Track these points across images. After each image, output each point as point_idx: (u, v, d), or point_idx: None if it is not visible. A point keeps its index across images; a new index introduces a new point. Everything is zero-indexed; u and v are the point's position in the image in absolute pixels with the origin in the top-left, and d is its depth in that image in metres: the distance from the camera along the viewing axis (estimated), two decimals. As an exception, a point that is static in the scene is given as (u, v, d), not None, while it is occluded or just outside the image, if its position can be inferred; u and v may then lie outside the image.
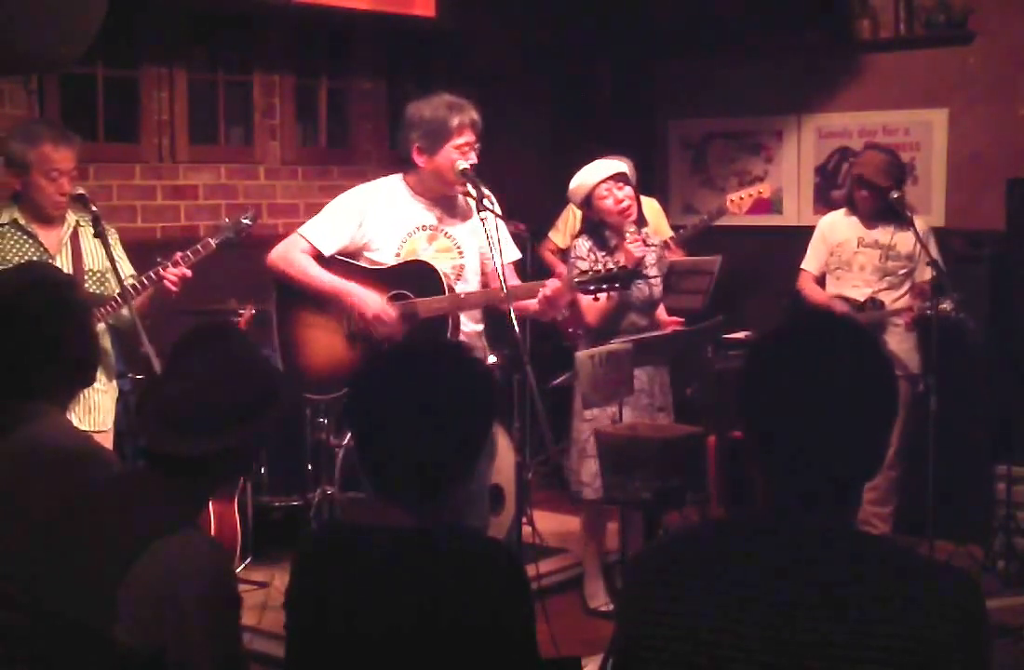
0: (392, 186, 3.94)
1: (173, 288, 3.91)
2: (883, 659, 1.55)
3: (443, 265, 3.89)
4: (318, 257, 3.89)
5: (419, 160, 3.85)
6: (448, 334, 3.84)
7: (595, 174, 4.52)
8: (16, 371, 2.41)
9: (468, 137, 3.82)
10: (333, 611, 1.96)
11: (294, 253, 3.89)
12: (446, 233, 3.94)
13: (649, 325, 4.56)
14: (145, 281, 3.90)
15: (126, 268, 4.03)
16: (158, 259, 3.93)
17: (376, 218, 3.87)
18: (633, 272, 3.94)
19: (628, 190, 4.50)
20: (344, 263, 3.91)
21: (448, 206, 3.95)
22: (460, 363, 2.08)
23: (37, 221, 3.95)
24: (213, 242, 4.01)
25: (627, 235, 4.38)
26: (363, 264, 3.91)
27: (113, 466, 2.46)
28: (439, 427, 1.97)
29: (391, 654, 1.91)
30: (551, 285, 3.80)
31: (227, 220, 4.19)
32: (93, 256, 4.02)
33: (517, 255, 4.14)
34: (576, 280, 3.82)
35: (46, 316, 2.41)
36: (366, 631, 1.92)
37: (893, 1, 5.92)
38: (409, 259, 3.88)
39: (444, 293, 3.85)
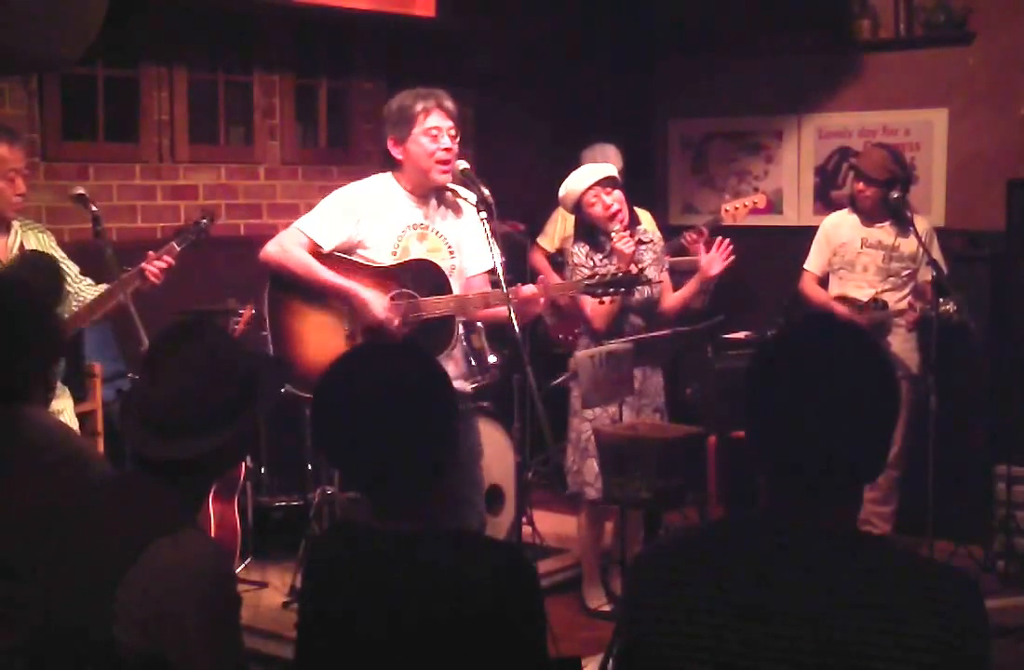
0: (384, 184, 3.92)
1: (156, 280, 3.90)
2: (883, 658, 1.55)
3: None
4: (315, 253, 3.86)
5: (395, 152, 3.86)
6: (452, 334, 3.82)
7: (582, 181, 4.55)
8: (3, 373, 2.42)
9: (437, 121, 3.81)
10: (342, 611, 1.96)
11: (293, 247, 3.84)
12: (436, 232, 3.90)
13: (648, 326, 4.57)
14: (126, 279, 3.87)
15: (73, 268, 4.02)
16: (125, 267, 3.91)
17: (371, 216, 3.85)
18: (636, 277, 3.95)
19: (617, 194, 4.52)
20: (344, 260, 3.86)
21: (438, 203, 3.93)
22: (416, 365, 2.07)
23: None
24: (177, 247, 4.00)
25: (613, 235, 4.43)
26: (361, 261, 3.88)
27: (103, 463, 2.46)
28: (394, 430, 1.95)
29: (400, 654, 1.91)
30: (526, 290, 3.74)
31: (186, 223, 4.18)
32: None
33: (488, 266, 4.01)
34: (584, 284, 3.87)
35: (17, 317, 2.42)
36: (375, 631, 1.92)
37: (893, 1, 5.92)
38: (413, 258, 3.86)
39: (449, 292, 3.84)
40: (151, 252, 3.94)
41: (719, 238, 4.64)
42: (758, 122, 6.41)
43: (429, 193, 3.91)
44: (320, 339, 3.86)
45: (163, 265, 3.90)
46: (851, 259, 5.19)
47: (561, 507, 5.68)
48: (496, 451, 5.05)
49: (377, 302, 3.79)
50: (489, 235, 3.67)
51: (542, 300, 3.77)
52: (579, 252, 4.60)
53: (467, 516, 3.84)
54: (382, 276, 3.86)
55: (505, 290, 3.60)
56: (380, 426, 1.95)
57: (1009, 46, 5.64)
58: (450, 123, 3.84)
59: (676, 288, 4.74)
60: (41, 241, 3.97)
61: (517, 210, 5.85)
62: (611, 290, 3.87)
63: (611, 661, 3.48)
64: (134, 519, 1.98)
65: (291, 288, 3.88)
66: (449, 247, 3.92)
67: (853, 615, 1.57)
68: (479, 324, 4.93)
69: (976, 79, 5.73)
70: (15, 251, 3.90)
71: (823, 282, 5.31)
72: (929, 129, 5.88)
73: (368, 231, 3.84)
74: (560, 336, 4.91)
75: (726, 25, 6.39)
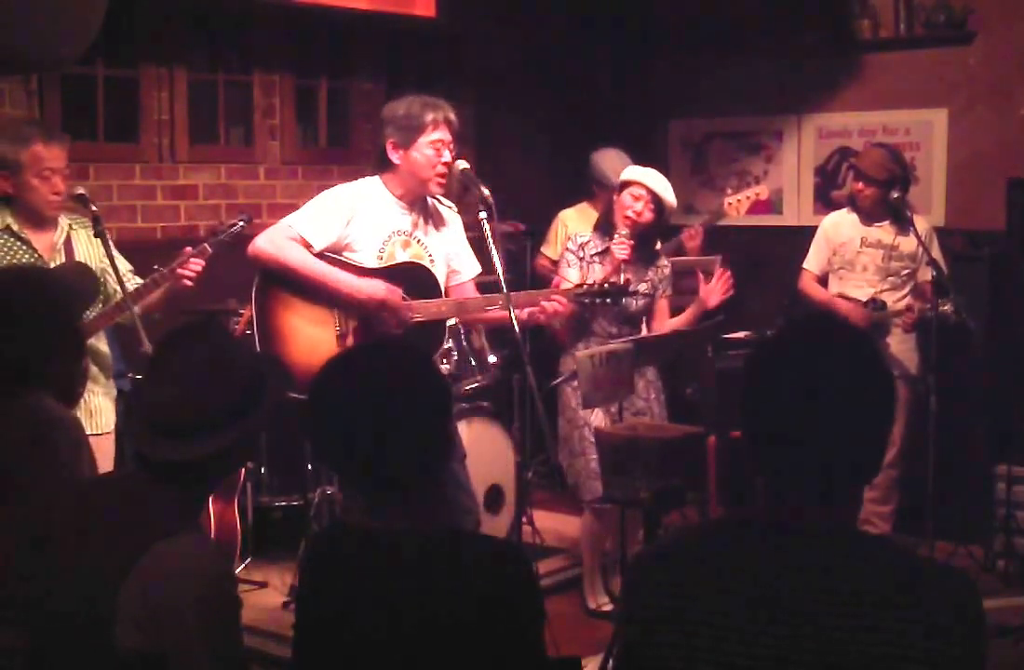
0: (373, 187, 3.91)
1: (190, 283, 3.87)
2: (883, 657, 1.56)
3: None
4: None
5: (394, 156, 3.85)
6: (441, 337, 3.82)
7: (647, 177, 4.56)
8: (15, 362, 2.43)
9: (442, 134, 3.83)
10: (340, 611, 1.97)
11: (286, 242, 3.79)
12: (419, 240, 3.92)
13: (618, 333, 4.58)
14: (158, 278, 3.85)
15: (123, 266, 4.00)
16: (156, 267, 3.89)
17: (361, 218, 3.83)
18: (623, 289, 4.05)
19: (649, 215, 4.53)
20: (334, 260, 3.83)
21: (423, 213, 3.94)
22: (412, 364, 2.07)
23: (30, 225, 3.85)
24: (210, 248, 3.95)
25: (616, 236, 4.47)
26: (351, 262, 3.86)
27: (78, 432, 2.46)
28: (390, 428, 1.95)
29: (397, 654, 1.91)
30: (559, 300, 3.84)
31: (222, 224, 4.13)
32: (87, 259, 3.99)
33: (478, 270, 4.11)
34: (575, 294, 3.95)
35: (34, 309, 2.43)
36: (372, 631, 1.92)
37: (893, 1, 5.92)
38: (404, 261, 3.86)
39: (440, 295, 3.84)
40: (188, 248, 3.87)
41: (720, 270, 4.69)
42: (758, 122, 6.42)
43: (416, 201, 3.93)
44: (310, 338, 3.82)
45: (197, 268, 3.83)
46: (851, 258, 5.20)
47: (561, 507, 5.68)
48: (496, 451, 5.06)
49: (379, 287, 3.77)
50: (489, 236, 3.66)
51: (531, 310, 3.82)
52: (574, 239, 4.67)
53: (456, 517, 3.85)
54: (374, 277, 3.84)
55: (505, 290, 3.61)
56: (374, 425, 1.95)
57: (1009, 46, 5.64)
58: (451, 139, 3.87)
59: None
60: (91, 238, 3.93)
61: (516, 210, 5.86)
62: (598, 300, 3.98)
63: (611, 661, 3.48)
64: (135, 520, 1.98)
65: (281, 285, 3.83)
66: (430, 257, 3.93)
67: (852, 615, 1.58)
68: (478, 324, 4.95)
69: (976, 79, 5.73)
70: (60, 246, 3.90)
71: (822, 282, 5.32)
72: (929, 129, 5.88)
73: (357, 233, 3.83)
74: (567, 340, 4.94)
75: (726, 25, 6.39)
